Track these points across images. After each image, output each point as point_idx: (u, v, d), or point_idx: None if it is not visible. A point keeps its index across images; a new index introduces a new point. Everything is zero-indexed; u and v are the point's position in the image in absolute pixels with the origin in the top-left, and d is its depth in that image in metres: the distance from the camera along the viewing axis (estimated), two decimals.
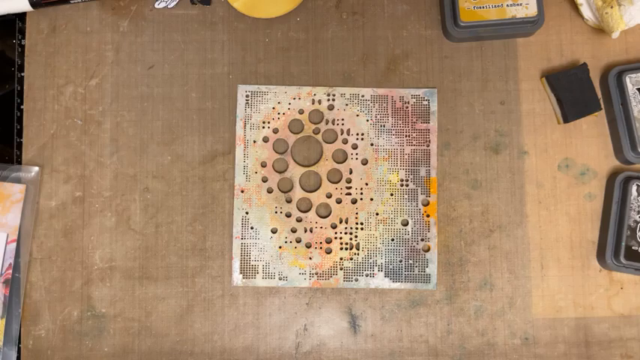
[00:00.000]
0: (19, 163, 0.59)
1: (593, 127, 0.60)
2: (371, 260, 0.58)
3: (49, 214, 0.59)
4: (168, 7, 0.61)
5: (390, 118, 0.59)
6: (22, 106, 0.60)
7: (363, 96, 0.60)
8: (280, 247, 0.59)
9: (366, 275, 0.58)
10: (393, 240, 0.59)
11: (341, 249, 0.58)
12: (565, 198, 0.59)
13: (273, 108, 0.60)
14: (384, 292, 0.59)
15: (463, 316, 0.58)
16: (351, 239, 0.59)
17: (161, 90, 0.60)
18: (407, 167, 0.59)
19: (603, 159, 0.59)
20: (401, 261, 0.58)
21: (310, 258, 0.58)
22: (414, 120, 0.59)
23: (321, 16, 0.61)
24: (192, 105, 0.60)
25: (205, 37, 0.61)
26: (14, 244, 0.58)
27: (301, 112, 0.60)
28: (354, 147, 0.59)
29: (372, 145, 0.59)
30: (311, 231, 0.59)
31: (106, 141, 0.60)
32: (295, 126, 0.60)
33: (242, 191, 0.59)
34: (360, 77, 0.60)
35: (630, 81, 0.57)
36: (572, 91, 0.58)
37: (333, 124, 0.60)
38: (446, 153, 0.59)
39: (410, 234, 0.59)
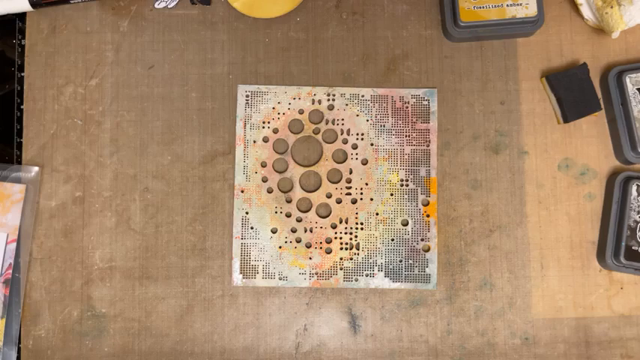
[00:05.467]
0: (19, 163, 0.59)
1: (593, 127, 0.60)
2: (371, 260, 0.58)
3: (49, 214, 0.59)
4: (168, 7, 0.61)
5: (390, 118, 0.59)
6: (22, 106, 0.60)
7: (363, 96, 0.60)
8: (280, 247, 0.59)
9: (366, 275, 0.58)
10: (393, 240, 0.59)
11: (341, 249, 0.58)
12: (565, 198, 0.59)
13: (273, 108, 0.60)
14: (384, 292, 0.59)
15: (463, 316, 0.58)
16: (351, 239, 0.59)
17: (161, 90, 0.60)
18: (407, 167, 0.59)
19: (603, 159, 0.59)
20: (401, 261, 0.58)
21: (310, 258, 0.58)
22: (414, 120, 0.59)
23: (321, 16, 0.61)
24: (192, 105, 0.60)
25: (205, 37, 0.61)
26: (14, 244, 0.58)
27: (301, 112, 0.60)
28: (354, 147, 0.59)
29: (372, 145, 0.59)
30: (311, 231, 0.59)
31: (106, 141, 0.60)
32: (295, 126, 0.60)
33: (242, 191, 0.59)
34: (360, 77, 0.60)
35: (630, 81, 0.57)
36: (572, 91, 0.58)
37: (333, 124, 0.60)
38: (446, 153, 0.59)
39: (410, 234, 0.59)
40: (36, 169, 0.59)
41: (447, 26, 0.59)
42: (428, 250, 0.58)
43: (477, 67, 0.60)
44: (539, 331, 0.58)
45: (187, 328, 0.58)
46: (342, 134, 0.59)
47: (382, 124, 0.59)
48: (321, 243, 0.59)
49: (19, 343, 0.58)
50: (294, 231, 0.59)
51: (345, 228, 0.59)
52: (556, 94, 0.59)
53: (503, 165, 0.59)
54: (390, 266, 0.58)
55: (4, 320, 0.57)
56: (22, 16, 0.61)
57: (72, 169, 0.59)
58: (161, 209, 0.59)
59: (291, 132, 0.60)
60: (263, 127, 0.59)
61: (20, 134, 0.60)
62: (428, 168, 0.59)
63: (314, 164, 0.59)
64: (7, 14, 0.60)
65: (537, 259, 0.59)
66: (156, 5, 0.61)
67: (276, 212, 0.59)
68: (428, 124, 0.59)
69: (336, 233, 0.59)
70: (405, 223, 0.59)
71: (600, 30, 0.60)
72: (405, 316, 0.58)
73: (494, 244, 0.59)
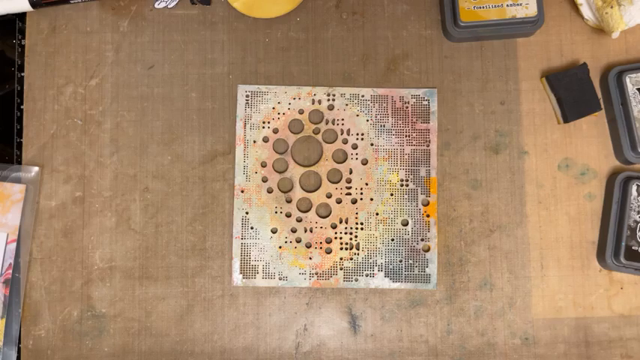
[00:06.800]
0: (19, 163, 0.59)
1: (593, 127, 0.60)
2: (371, 260, 0.58)
3: (49, 214, 0.59)
4: (168, 7, 0.61)
5: (390, 118, 0.59)
6: (22, 106, 0.60)
7: (363, 96, 0.60)
8: (280, 247, 0.59)
9: (366, 275, 0.58)
10: (393, 240, 0.59)
11: (341, 249, 0.58)
12: (565, 198, 0.59)
13: (273, 108, 0.60)
14: (384, 292, 0.59)
15: (463, 316, 0.58)
16: (351, 239, 0.59)
17: (161, 90, 0.60)
18: (407, 167, 0.59)
19: (603, 159, 0.59)
20: (401, 261, 0.58)
21: (310, 258, 0.58)
22: (414, 120, 0.59)
23: (321, 16, 0.61)
24: (192, 105, 0.60)
25: (205, 37, 0.61)
26: (14, 244, 0.58)
27: (301, 112, 0.60)
28: (354, 147, 0.59)
29: (372, 145, 0.59)
30: (311, 231, 0.59)
31: (106, 141, 0.60)
32: (295, 126, 0.60)
33: (242, 191, 0.59)
34: (360, 77, 0.60)
35: (630, 81, 0.57)
36: (572, 91, 0.58)
37: (333, 124, 0.60)
38: (446, 153, 0.59)
39: (410, 234, 0.59)
40: (36, 169, 0.59)
41: (447, 26, 0.59)
42: (428, 250, 0.58)
43: (476, 67, 0.60)
44: (539, 331, 0.58)
45: (187, 328, 0.58)
46: (342, 134, 0.59)
47: (382, 124, 0.59)
48: (321, 243, 0.59)
49: (19, 343, 0.58)
50: (294, 231, 0.59)
51: (345, 228, 0.59)
52: (556, 94, 0.59)
53: (503, 165, 0.59)
54: (390, 266, 0.58)
55: (4, 320, 0.57)
56: (22, 16, 0.61)
57: (72, 169, 0.59)
58: (161, 209, 0.59)
59: (291, 132, 0.60)
60: (263, 127, 0.59)
61: (20, 134, 0.60)
62: (428, 168, 0.59)
63: (314, 164, 0.59)
64: (7, 14, 0.60)
65: (537, 259, 0.59)
66: (156, 5, 0.61)
67: (276, 212, 0.59)
68: (428, 124, 0.59)
69: (336, 233, 0.59)
70: (405, 223, 0.59)
71: (600, 30, 0.60)
72: (405, 316, 0.58)
73: (494, 244, 0.59)
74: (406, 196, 0.59)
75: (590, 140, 0.60)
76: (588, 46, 0.60)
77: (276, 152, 0.60)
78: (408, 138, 0.59)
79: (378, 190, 0.59)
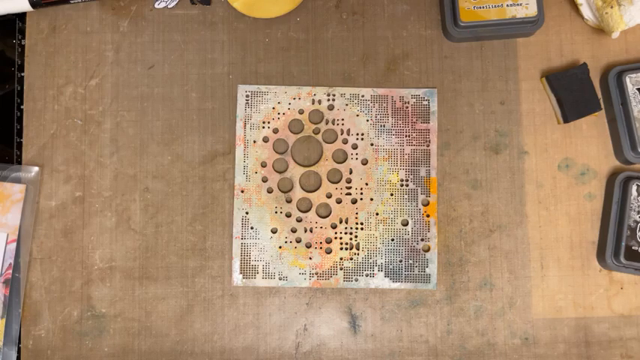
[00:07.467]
0: (19, 163, 0.59)
1: (593, 127, 0.60)
2: (371, 260, 0.58)
3: (49, 214, 0.59)
4: (168, 7, 0.61)
5: (390, 118, 0.59)
6: (22, 106, 0.60)
7: (363, 96, 0.60)
8: (280, 247, 0.59)
9: (366, 275, 0.58)
10: (393, 240, 0.59)
11: (341, 249, 0.58)
12: (565, 198, 0.59)
13: (273, 108, 0.60)
14: (384, 292, 0.59)
15: (463, 316, 0.58)
16: (351, 239, 0.59)
17: (161, 90, 0.60)
18: (407, 167, 0.59)
19: (603, 159, 0.59)
20: (401, 261, 0.58)
21: (310, 258, 0.58)
22: (414, 120, 0.59)
23: (321, 16, 0.61)
24: (192, 105, 0.60)
25: (205, 37, 0.61)
26: (14, 244, 0.58)
27: (301, 112, 0.60)
28: (354, 147, 0.59)
29: (372, 145, 0.59)
30: (311, 231, 0.59)
31: (106, 141, 0.60)
32: (295, 126, 0.60)
33: (242, 191, 0.59)
34: (360, 77, 0.60)
35: (630, 81, 0.57)
36: (572, 91, 0.58)
37: (333, 124, 0.60)
38: (446, 153, 0.59)
39: (410, 234, 0.59)
40: (36, 169, 0.59)
41: (447, 26, 0.59)
42: (428, 250, 0.58)
43: (476, 67, 0.60)
44: (539, 331, 0.58)
45: (187, 328, 0.58)
46: (342, 134, 0.59)
47: (382, 124, 0.59)
48: (321, 243, 0.59)
49: (19, 343, 0.58)
50: (294, 231, 0.59)
51: (345, 228, 0.59)
52: (556, 94, 0.59)
53: (503, 165, 0.59)
54: (390, 266, 0.58)
55: (4, 320, 0.57)
56: (22, 16, 0.61)
57: (72, 169, 0.59)
58: (161, 209, 0.59)
59: (291, 132, 0.60)
60: (263, 127, 0.59)
61: (20, 134, 0.60)
62: (428, 168, 0.59)
63: (314, 164, 0.59)
64: (7, 14, 0.60)
65: (537, 259, 0.59)
66: (156, 5, 0.61)
67: (276, 212, 0.59)
68: (428, 124, 0.59)
69: (336, 233, 0.59)
70: (405, 223, 0.59)
71: (600, 30, 0.60)
72: (405, 316, 0.58)
73: (494, 244, 0.59)
74: (406, 196, 0.59)
75: (590, 140, 0.60)
76: (588, 46, 0.60)
77: (276, 152, 0.60)
78: (408, 138, 0.59)
79: (378, 190, 0.59)
